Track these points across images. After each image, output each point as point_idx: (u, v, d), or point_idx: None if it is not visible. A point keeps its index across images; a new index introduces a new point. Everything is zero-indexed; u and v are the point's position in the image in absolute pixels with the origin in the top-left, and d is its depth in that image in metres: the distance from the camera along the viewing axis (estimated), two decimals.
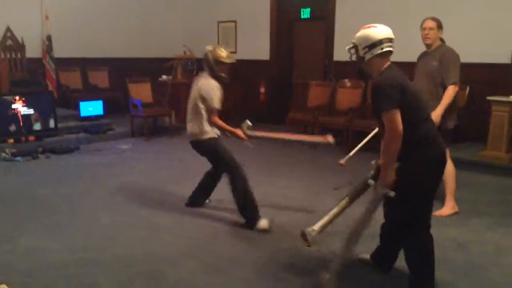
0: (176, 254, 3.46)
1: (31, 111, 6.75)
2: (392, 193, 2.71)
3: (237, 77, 9.23)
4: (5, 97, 6.61)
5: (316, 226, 3.03)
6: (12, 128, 6.56)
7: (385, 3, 7.35)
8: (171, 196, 4.74)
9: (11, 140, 6.43)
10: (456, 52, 4.30)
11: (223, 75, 3.99)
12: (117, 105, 8.69)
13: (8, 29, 7.87)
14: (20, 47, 8.01)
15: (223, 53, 3.97)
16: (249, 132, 4.09)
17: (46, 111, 6.94)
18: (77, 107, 7.64)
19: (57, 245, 3.56)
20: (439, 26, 4.31)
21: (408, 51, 6.96)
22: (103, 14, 9.05)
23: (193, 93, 4.03)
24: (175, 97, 8.50)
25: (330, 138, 4.17)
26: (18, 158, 6.05)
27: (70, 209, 4.33)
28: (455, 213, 4.30)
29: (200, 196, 4.39)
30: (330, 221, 3.06)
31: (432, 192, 2.86)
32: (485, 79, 6.34)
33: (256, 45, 9.11)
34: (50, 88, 8.04)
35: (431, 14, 6.74)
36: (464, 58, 6.43)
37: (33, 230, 3.85)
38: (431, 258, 2.88)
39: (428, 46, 4.36)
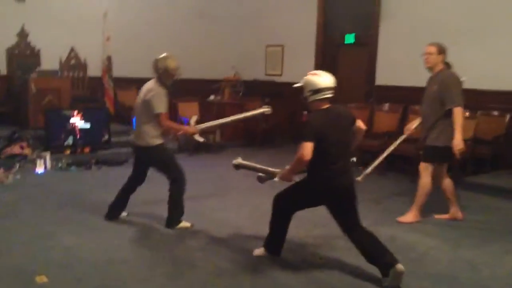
0: (196, 257, 3.77)
1: (87, 125, 7.35)
2: (276, 179, 3.69)
3: (282, 98, 9.57)
4: (65, 111, 7.26)
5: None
6: (69, 140, 7.16)
7: (425, 30, 7.43)
8: (200, 206, 5.08)
9: (68, 151, 7.04)
10: (457, 76, 4.47)
11: (169, 83, 4.22)
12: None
13: (73, 50, 8.61)
14: (82, 66, 8.73)
15: (172, 64, 4.18)
16: (198, 126, 4.43)
17: (101, 125, 7.53)
18: (131, 123, 8.19)
19: (93, 244, 3.97)
20: (440, 51, 4.50)
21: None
22: (158, 37, 9.64)
23: (139, 98, 4.25)
24: (221, 116, 8.89)
25: (265, 108, 4.65)
26: (72, 168, 6.62)
27: None
28: (417, 221, 4.67)
29: (117, 209, 4.58)
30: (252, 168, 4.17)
31: (302, 205, 3.63)
32: None
33: (302, 69, 9.25)
34: (108, 105, 8.66)
35: (468, 39, 6.85)
36: (505, 86, 6.46)
37: (75, 230, 4.28)
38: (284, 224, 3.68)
39: (429, 70, 4.60)
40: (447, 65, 4.56)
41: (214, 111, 8.90)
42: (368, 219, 4.70)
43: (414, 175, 6.33)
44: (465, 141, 6.10)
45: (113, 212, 4.60)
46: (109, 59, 8.89)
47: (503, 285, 3.43)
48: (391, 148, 4.93)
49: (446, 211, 4.89)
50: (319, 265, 3.67)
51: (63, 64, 8.53)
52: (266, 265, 3.64)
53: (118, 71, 9.00)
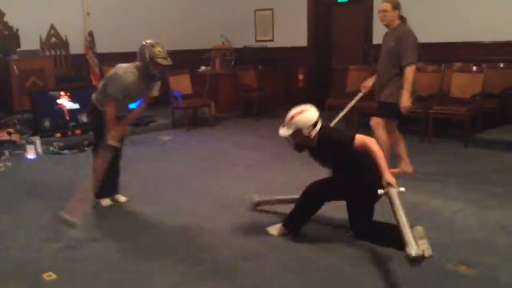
0: (214, 240, 3.51)
1: (76, 106, 6.96)
2: None
3: (276, 64, 9.24)
4: (51, 92, 6.86)
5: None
6: (59, 122, 6.79)
7: None
8: (208, 184, 4.82)
9: (59, 134, 6.68)
10: (413, 33, 4.51)
11: (155, 73, 3.87)
12: (158, 97, 8.77)
13: (52, 27, 8.13)
14: (64, 44, 8.27)
15: (160, 53, 3.80)
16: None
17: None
18: None
19: (101, 234, 3.70)
20: (395, 7, 4.48)
21: (443, 31, 6.77)
22: (141, 8, 9.21)
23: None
24: (214, 88, 8.58)
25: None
26: (65, 151, 6.28)
27: None
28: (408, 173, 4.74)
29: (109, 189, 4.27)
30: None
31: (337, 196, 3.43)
32: None
33: (293, 32, 9.03)
34: (94, 83, 8.25)
35: None
36: (510, 36, 6.22)
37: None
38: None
39: (386, 27, 4.58)
40: (403, 20, 4.55)
41: (207, 83, 8.54)
42: None
43: (423, 135, 6.19)
44: (475, 96, 6.00)
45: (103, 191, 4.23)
46: (91, 34, 8.45)
47: None
48: (349, 105, 4.93)
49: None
50: (347, 239, 3.44)
51: (44, 42, 8.08)
52: (292, 243, 3.41)
53: (102, 47, 8.57)
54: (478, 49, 6.55)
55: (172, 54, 9.77)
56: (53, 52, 8.17)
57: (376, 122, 4.76)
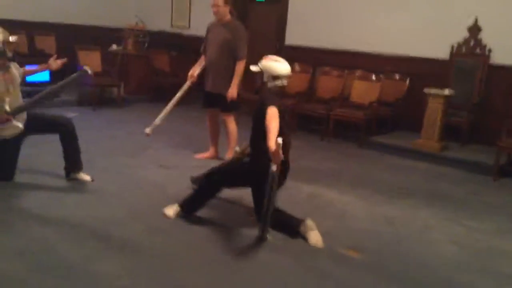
0: (122, 216, 3.59)
1: None
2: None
3: (190, 53, 9.26)
4: None
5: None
6: None
7: None
8: (117, 164, 4.83)
9: None
10: (245, 28, 4.99)
11: (9, 53, 4.09)
12: (63, 72, 8.44)
13: None
14: None
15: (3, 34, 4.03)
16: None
17: None
18: None
19: None
20: (225, 2, 4.82)
21: (350, 40, 7.30)
22: None
23: None
24: (124, 68, 8.44)
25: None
26: None
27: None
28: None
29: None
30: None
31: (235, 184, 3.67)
32: (425, 72, 6.73)
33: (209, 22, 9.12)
34: None
35: (382, 8, 7.13)
36: (407, 51, 6.89)
37: None
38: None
39: (219, 20, 4.93)
40: (233, 14, 4.94)
41: (117, 63, 8.37)
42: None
43: (323, 134, 6.66)
44: (372, 103, 6.57)
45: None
46: None
47: (419, 237, 3.73)
48: (177, 96, 4.99)
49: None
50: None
51: None
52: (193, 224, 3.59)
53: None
54: (379, 60, 7.15)
55: (83, 29, 9.49)
56: None
57: (227, 115, 5.04)
